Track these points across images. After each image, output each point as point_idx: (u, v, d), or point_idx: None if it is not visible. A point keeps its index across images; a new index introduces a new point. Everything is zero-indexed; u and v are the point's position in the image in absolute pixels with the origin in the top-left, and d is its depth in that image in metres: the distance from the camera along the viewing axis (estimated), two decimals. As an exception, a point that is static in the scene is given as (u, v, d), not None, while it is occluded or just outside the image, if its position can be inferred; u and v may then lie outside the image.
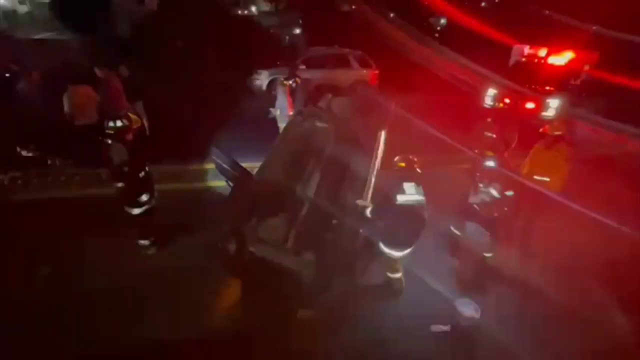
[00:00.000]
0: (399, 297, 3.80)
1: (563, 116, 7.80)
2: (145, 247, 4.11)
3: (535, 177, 4.41)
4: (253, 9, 31.77)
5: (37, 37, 19.37)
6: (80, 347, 3.04)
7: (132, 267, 3.91)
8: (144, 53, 12.37)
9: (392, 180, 3.48)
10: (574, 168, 4.32)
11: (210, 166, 5.69)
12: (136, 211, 3.86)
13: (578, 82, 8.98)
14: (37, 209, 4.74)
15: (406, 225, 3.40)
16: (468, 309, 3.25)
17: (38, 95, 5.45)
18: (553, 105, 8.11)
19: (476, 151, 5.43)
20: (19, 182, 5.33)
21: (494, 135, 5.25)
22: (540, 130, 4.56)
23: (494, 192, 3.77)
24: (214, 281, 3.78)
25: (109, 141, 3.62)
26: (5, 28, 21.19)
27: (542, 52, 9.21)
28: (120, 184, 3.73)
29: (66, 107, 5.46)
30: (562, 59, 8.93)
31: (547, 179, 4.32)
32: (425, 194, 3.42)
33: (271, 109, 6.53)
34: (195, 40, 13.47)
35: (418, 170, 3.46)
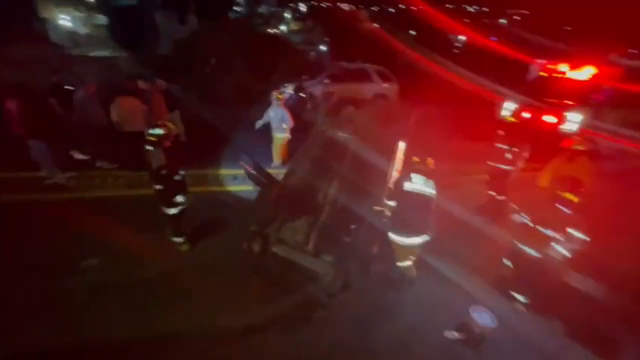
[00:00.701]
0: (409, 287, 3.75)
1: (584, 130, 7.47)
2: (179, 243, 4.23)
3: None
4: (282, 27, 32.50)
5: (93, 54, 20.63)
6: (113, 332, 3.16)
7: (167, 261, 4.04)
8: (183, 68, 12.94)
9: (405, 172, 3.57)
10: (597, 182, 4.09)
11: (238, 171, 5.82)
12: (172, 211, 3.98)
13: (599, 96, 8.53)
14: (87, 206, 4.99)
15: (412, 212, 3.40)
16: (483, 319, 3.10)
17: (92, 106, 5.77)
18: (573, 119, 7.77)
19: (490, 162, 5.31)
20: (73, 181, 5.66)
21: (507, 147, 5.13)
22: (562, 144, 4.36)
23: (582, 235, 3.20)
24: (239, 278, 3.82)
25: (149, 147, 3.78)
26: (68, 46, 22.68)
27: (563, 67, 8.83)
28: (158, 186, 3.85)
29: (114, 116, 5.75)
30: (583, 74, 8.53)
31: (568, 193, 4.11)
32: (437, 191, 3.40)
33: (257, 121, 6.28)
34: (228, 56, 13.92)
35: (431, 166, 3.49)
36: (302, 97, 8.79)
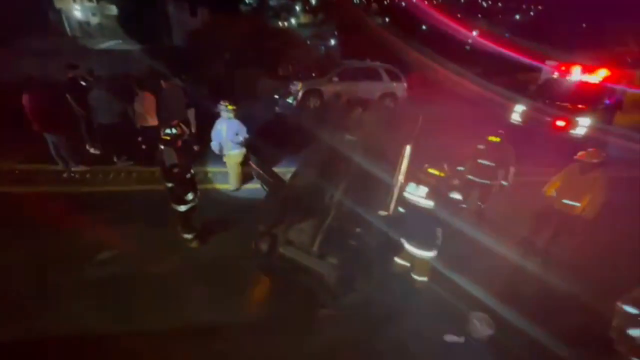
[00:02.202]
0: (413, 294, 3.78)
1: (594, 134, 7.34)
2: (188, 240, 4.35)
3: (564, 200, 4.14)
4: (293, 21, 32.24)
5: (105, 46, 20.73)
6: (123, 323, 3.28)
7: (175, 257, 4.17)
8: (196, 62, 13.02)
9: (409, 180, 3.62)
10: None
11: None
12: (182, 208, 4.09)
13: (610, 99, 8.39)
14: (100, 200, 5.15)
15: (414, 222, 3.49)
16: (481, 324, 3.17)
17: (106, 101, 5.87)
18: (583, 124, 7.68)
19: (469, 177, 5.00)
20: (87, 176, 5.83)
21: (493, 164, 4.82)
22: (576, 156, 4.10)
23: None
24: (247, 275, 3.92)
25: (162, 146, 3.89)
26: (80, 37, 22.82)
27: (575, 69, 8.70)
28: (169, 184, 3.96)
29: (137, 108, 5.88)
30: (595, 77, 8.40)
31: (578, 204, 4.02)
32: (434, 199, 3.33)
33: (212, 143, 5.36)
34: (240, 51, 13.94)
35: (441, 174, 3.42)
36: (289, 103, 8.64)
